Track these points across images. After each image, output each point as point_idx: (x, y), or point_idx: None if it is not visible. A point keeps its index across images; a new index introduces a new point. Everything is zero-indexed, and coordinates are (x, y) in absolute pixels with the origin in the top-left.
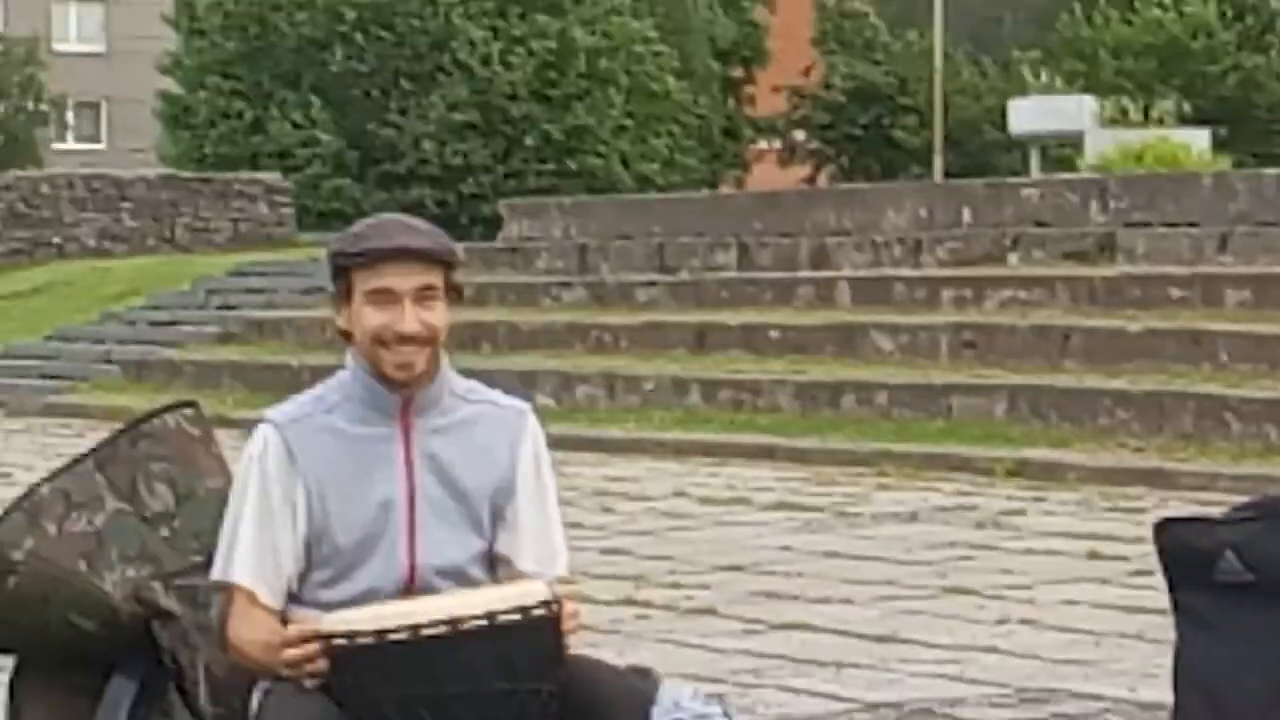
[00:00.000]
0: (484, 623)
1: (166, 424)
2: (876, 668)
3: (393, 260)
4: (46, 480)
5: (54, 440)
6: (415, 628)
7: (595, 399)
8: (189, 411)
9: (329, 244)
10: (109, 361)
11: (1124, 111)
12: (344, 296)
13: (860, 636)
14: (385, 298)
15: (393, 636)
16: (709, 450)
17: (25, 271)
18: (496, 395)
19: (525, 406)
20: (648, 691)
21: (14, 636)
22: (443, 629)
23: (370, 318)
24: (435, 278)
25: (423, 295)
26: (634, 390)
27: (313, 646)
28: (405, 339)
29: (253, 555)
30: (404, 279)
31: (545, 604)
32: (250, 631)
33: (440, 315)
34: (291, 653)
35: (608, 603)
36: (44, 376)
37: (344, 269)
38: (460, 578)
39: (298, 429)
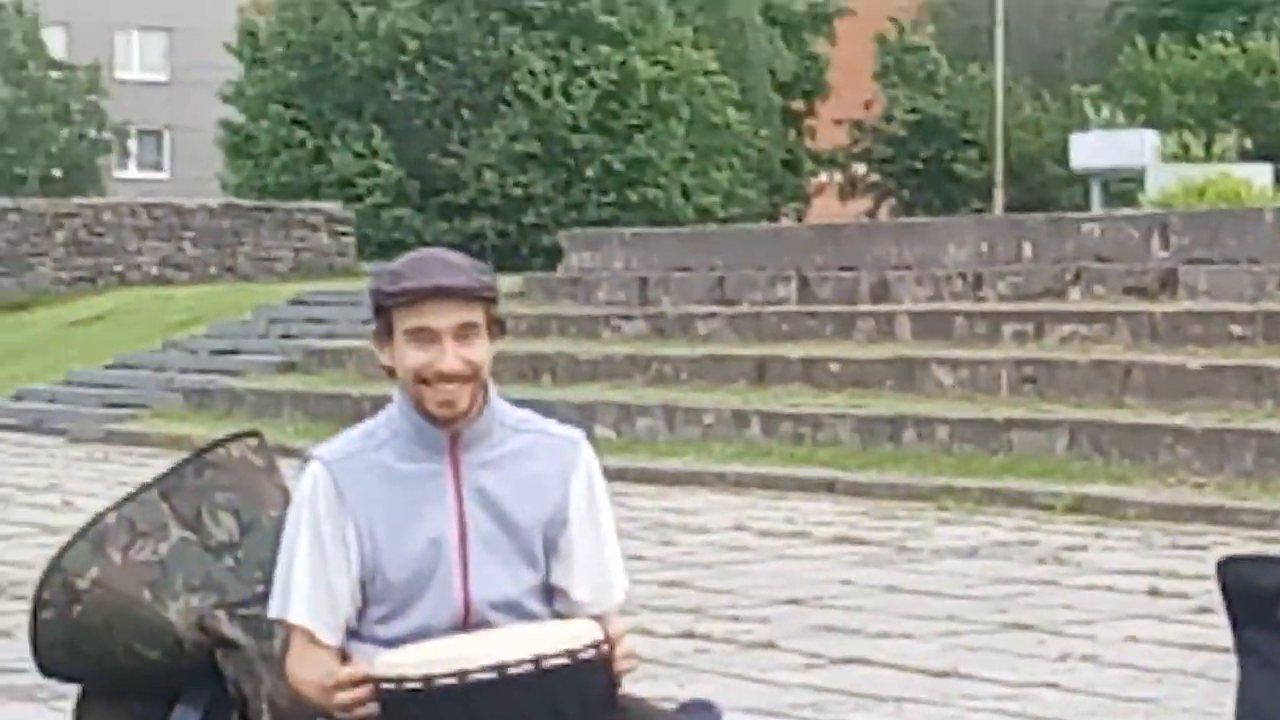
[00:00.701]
0: (531, 668)
1: (231, 454)
2: (937, 703)
3: (431, 299)
4: (112, 509)
5: (115, 467)
6: (463, 674)
7: (655, 431)
8: (253, 441)
9: (370, 282)
10: (171, 389)
11: (1186, 147)
12: (385, 334)
13: (921, 672)
14: (425, 336)
15: (440, 682)
16: (769, 483)
17: (88, 299)
18: (549, 425)
19: (578, 436)
20: None
21: (78, 665)
22: (491, 675)
23: (411, 357)
24: (475, 315)
25: (463, 333)
26: (694, 422)
27: (364, 690)
28: (446, 377)
29: (308, 595)
30: (443, 317)
31: (594, 645)
32: (306, 671)
33: (481, 351)
34: (344, 696)
35: (667, 636)
36: (106, 404)
37: (384, 307)
38: (516, 611)
39: (346, 466)
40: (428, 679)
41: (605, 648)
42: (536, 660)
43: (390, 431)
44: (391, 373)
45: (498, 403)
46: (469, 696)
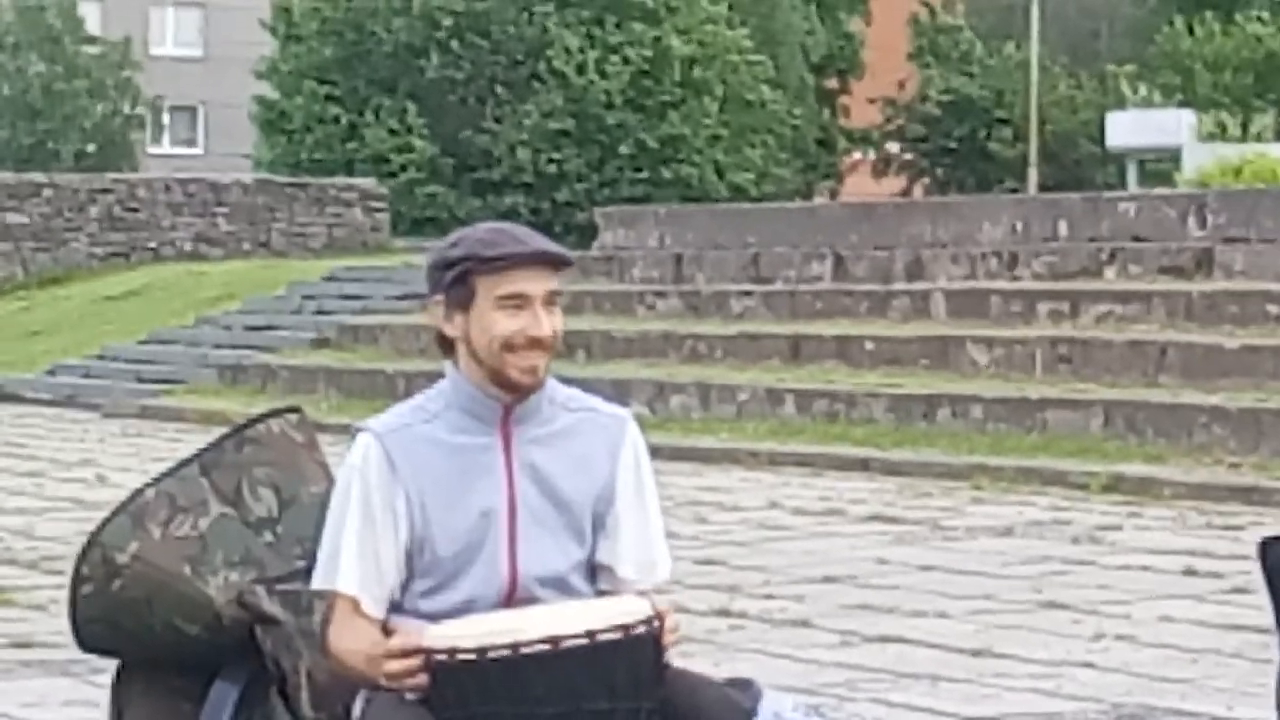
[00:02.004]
0: (584, 641)
1: (271, 429)
2: (973, 682)
3: (528, 265)
4: (151, 484)
5: (149, 443)
6: (516, 646)
7: (689, 409)
8: (293, 417)
9: (436, 251)
10: (204, 365)
11: (1222, 126)
12: (463, 302)
13: (956, 650)
14: (518, 302)
15: (493, 654)
16: (803, 461)
17: (122, 274)
18: (596, 403)
19: (625, 414)
20: (747, 704)
21: (117, 639)
22: (543, 647)
23: (502, 323)
24: (556, 283)
25: (550, 300)
26: (728, 400)
27: (414, 660)
28: (537, 343)
29: (357, 564)
30: (536, 283)
31: (646, 621)
32: (353, 641)
33: (560, 321)
34: (393, 665)
35: (702, 613)
36: (140, 380)
37: (467, 275)
38: (562, 587)
39: (398, 438)
40: (481, 650)
41: (656, 624)
42: (590, 634)
43: (442, 404)
44: (448, 345)
45: (548, 380)
46: (521, 668)
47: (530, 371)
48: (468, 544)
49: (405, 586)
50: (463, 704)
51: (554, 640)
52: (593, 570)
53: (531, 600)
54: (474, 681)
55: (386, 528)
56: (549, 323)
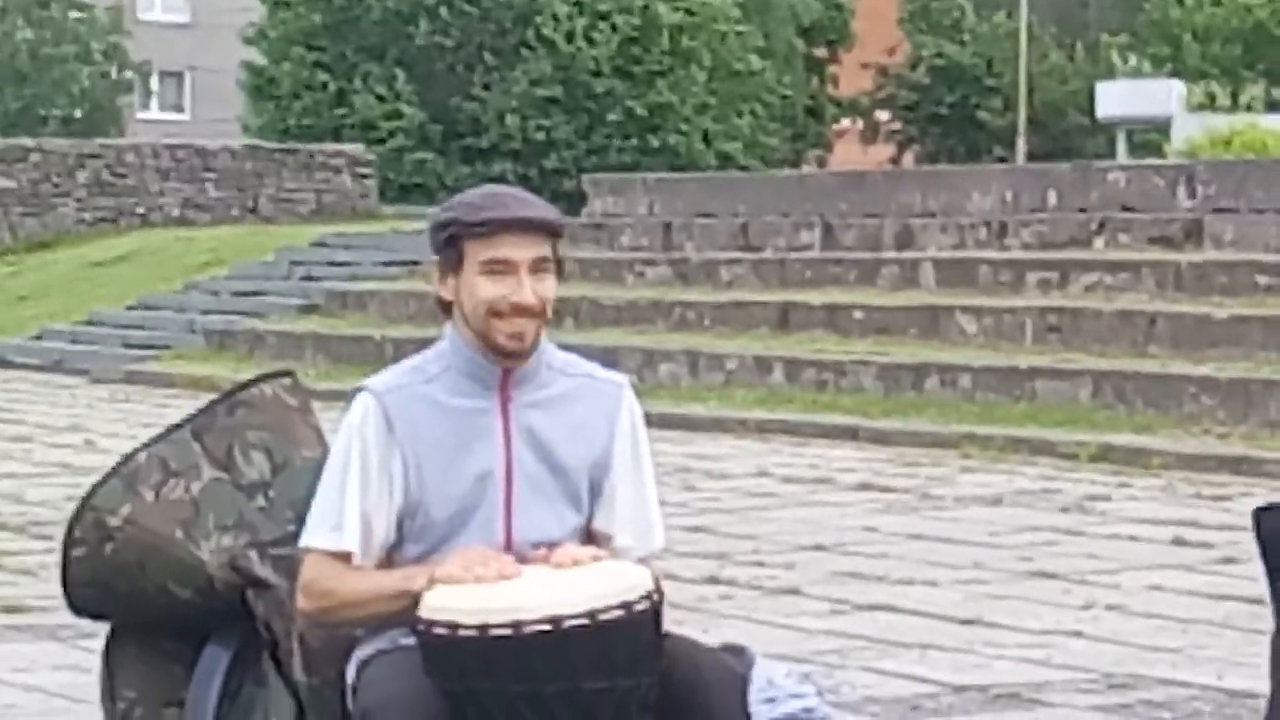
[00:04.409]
0: (586, 621)
1: (264, 393)
2: (962, 650)
3: (511, 231)
4: (143, 447)
5: (137, 408)
6: (518, 625)
7: (678, 377)
8: (286, 381)
9: (434, 215)
10: (192, 331)
11: (1212, 97)
12: (453, 266)
13: (945, 619)
14: (502, 268)
15: (495, 631)
16: (792, 430)
17: (110, 240)
18: (594, 369)
19: (623, 380)
20: (743, 670)
21: (110, 602)
22: (545, 626)
23: (486, 288)
24: (548, 250)
25: (537, 266)
26: (717, 368)
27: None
28: (521, 310)
29: (359, 522)
30: (522, 250)
31: (647, 596)
32: (373, 581)
33: (551, 287)
34: (389, 606)
35: (691, 581)
36: (127, 345)
37: (455, 239)
38: None
39: (396, 398)
40: (483, 627)
41: (657, 597)
42: (592, 614)
43: (441, 366)
44: (446, 307)
45: (546, 345)
46: (524, 646)
47: (516, 337)
48: (462, 507)
49: (397, 549)
50: (463, 678)
51: (556, 620)
52: (589, 537)
53: (525, 561)
54: (475, 658)
55: (382, 488)
56: (534, 289)
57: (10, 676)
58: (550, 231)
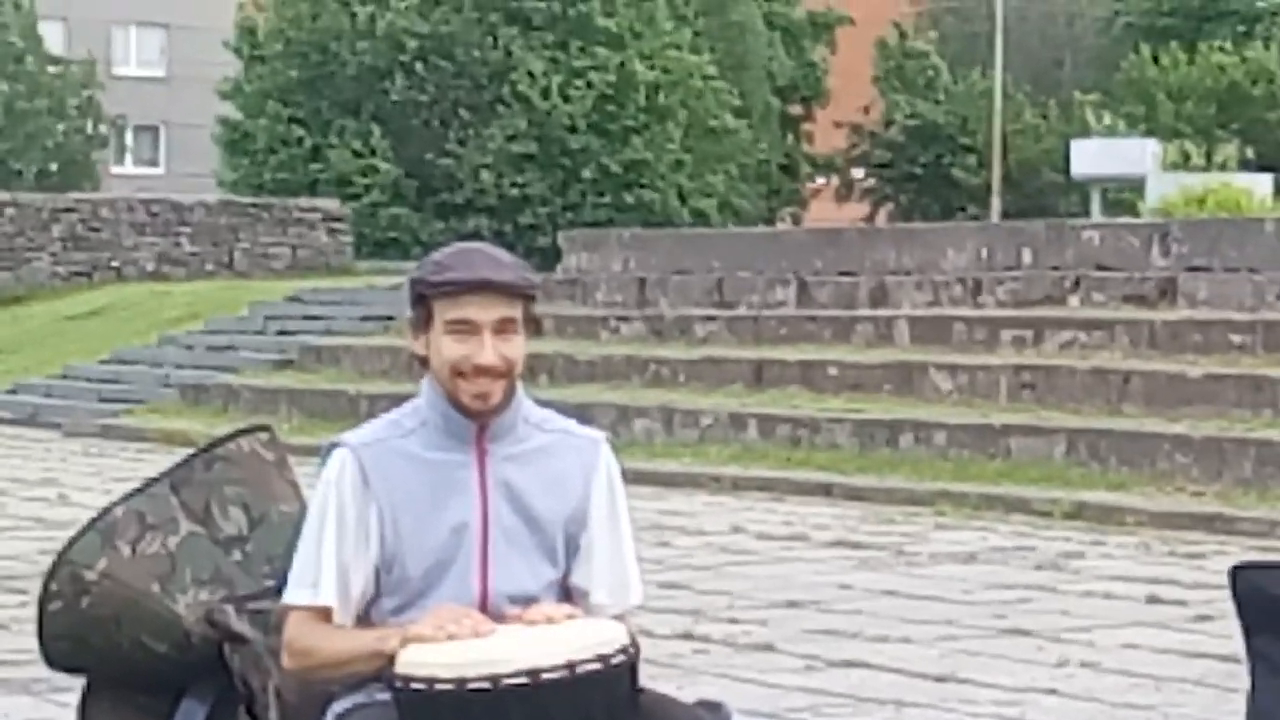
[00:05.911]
0: (564, 674)
1: (241, 448)
2: (936, 707)
3: (475, 292)
4: (121, 501)
5: (110, 462)
6: (495, 678)
7: (652, 432)
8: (263, 436)
9: (413, 271)
10: (166, 385)
11: (1186, 156)
12: (423, 324)
13: (919, 676)
14: (465, 329)
15: (472, 685)
16: (766, 486)
17: (84, 294)
18: (571, 425)
19: (599, 436)
20: None
21: (85, 656)
22: (523, 679)
23: (449, 348)
24: (515, 311)
25: (502, 328)
26: (691, 425)
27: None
28: (483, 371)
29: (336, 578)
30: (485, 311)
31: (623, 650)
32: (349, 641)
33: (518, 348)
34: (363, 667)
35: (666, 637)
36: (102, 399)
37: (425, 297)
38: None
39: (372, 452)
40: (460, 681)
41: (633, 651)
42: (570, 666)
43: (417, 421)
44: (423, 361)
45: (523, 399)
46: (500, 700)
47: (480, 398)
48: (439, 561)
49: (374, 603)
50: None
51: (534, 673)
52: (565, 592)
53: (501, 620)
54: (452, 712)
55: (360, 542)
56: (498, 350)
57: None
58: (517, 293)
